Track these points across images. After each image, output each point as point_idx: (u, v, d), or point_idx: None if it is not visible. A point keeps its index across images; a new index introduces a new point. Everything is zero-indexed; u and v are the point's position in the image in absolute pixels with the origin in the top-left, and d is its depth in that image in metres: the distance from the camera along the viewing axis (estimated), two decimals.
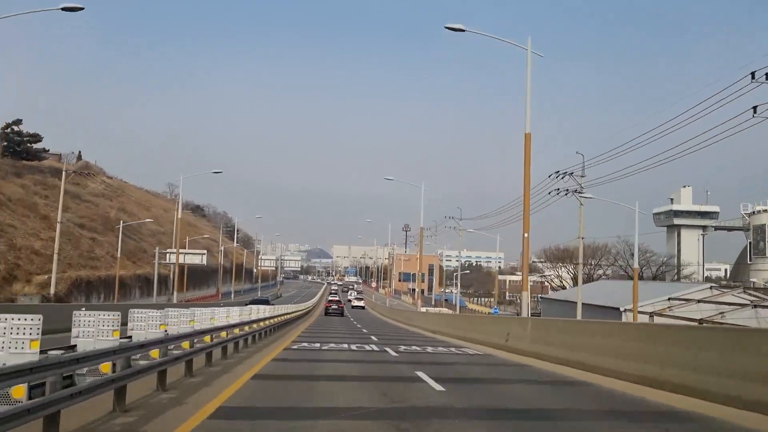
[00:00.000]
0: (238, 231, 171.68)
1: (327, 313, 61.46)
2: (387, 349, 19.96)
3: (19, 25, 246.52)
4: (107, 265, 68.23)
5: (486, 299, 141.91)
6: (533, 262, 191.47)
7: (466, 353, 19.92)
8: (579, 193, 42.96)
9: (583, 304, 49.69)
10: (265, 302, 31.46)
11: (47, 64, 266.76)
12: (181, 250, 67.07)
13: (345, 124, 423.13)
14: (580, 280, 42.49)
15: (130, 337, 8.75)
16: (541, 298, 58.43)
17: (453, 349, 21.17)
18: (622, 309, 42.45)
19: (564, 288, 68.01)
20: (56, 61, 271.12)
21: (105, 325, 7.37)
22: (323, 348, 19.64)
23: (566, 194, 43.12)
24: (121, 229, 56.82)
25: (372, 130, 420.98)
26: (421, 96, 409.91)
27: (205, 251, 65.59)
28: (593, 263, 70.18)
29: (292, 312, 35.56)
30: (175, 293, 51.70)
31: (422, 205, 47.21)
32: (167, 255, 64.39)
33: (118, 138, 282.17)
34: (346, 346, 20.72)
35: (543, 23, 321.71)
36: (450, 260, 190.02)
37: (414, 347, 21.42)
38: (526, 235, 21.97)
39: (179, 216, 52.31)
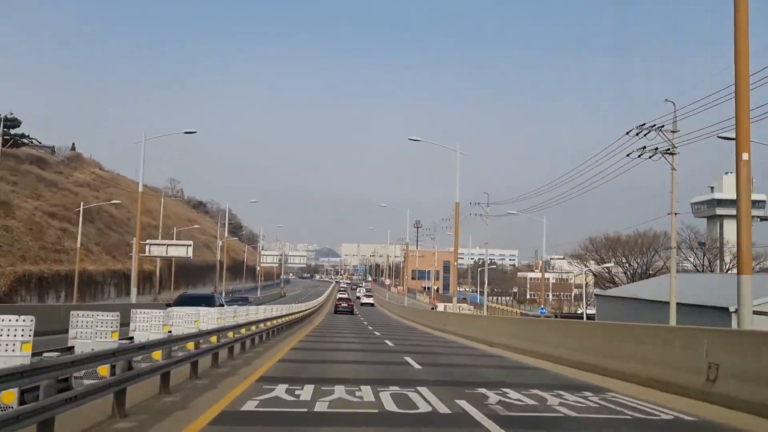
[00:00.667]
0: (242, 228, 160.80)
1: (336, 311, 57.43)
2: (467, 407, 8.35)
3: (20, 25, 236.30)
4: (81, 259, 57.17)
5: (505, 298, 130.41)
6: (550, 258, 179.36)
7: (682, 421, 8.23)
8: (670, 153, 31.31)
9: (662, 302, 38.18)
10: (207, 301, 18.20)
11: (48, 64, 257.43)
12: (163, 241, 55.90)
13: (348, 124, 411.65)
14: (673, 270, 30.55)
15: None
16: (596, 295, 46.37)
17: (599, 401, 9.53)
18: (732, 309, 30.67)
19: (614, 284, 55.95)
20: (57, 60, 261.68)
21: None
22: (317, 409, 8.02)
23: (653, 155, 31.47)
24: (81, 212, 45.47)
25: (376, 129, 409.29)
26: (424, 96, 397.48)
27: (191, 242, 54.05)
28: (649, 255, 58.07)
29: (280, 317, 24.05)
30: (133, 292, 40.13)
31: (458, 174, 35.73)
32: (147, 247, 53.04)
33: (121, 137, 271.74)
34: (369, 393, 9.10)
35: (544, 18, 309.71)
36: (462, 258, 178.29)
37: (513, 395, 9.75)
38: (745, 156, 10.48)
39: (141, 190, 40.39)
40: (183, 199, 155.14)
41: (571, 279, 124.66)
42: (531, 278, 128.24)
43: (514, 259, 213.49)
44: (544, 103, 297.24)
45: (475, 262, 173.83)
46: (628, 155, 32.76)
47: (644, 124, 31.71)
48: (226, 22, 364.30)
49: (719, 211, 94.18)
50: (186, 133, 34.76)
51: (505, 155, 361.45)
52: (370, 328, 34.28)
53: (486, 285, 64.86)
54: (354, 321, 43.32)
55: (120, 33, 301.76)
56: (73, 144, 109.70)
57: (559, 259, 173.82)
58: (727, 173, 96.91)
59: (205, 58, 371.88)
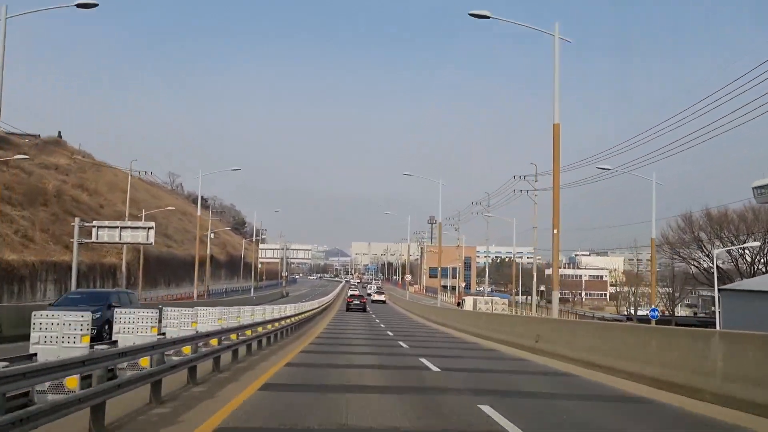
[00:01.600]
0: (245, 224, 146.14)
1: (348, 308, 53.68)
2: None
3: (20, 25, 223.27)
4: (12, 248, 42.64)
5: (530, 297, 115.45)
6: (575, 255, 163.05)
7: None
8: None
9: None
10: None
11: (48, 63, 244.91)
12: (114, 222, 41.16)
13: (348, 124, 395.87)
14: None
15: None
16: (720, 290, 31.05)
17: None
18: None
19: (725, 276, 40.21)
20: (57, 60, 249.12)
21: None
22: None
23: None
24: None
25: (376, 129, 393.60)
26: (424, 96, 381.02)
27: (152, 223, 39.35)
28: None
29: (197, 337, 9.21)
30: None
31: (557, 71, 20.57)
32: (94, 230, 38.33)
33: (121, 136, 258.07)
34: None
35: (544, 18, 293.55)
36: (478, 256, 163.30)
37: None
38: None
39: None
40: (183, 193, 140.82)
41: (605, 276, 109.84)
42: (562, 275, 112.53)
43: (531, 257, 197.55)
44: (544, 102, 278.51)
45: (492, 260, 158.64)
46: None
47: None
48: (226, 22, 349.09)
49: None
50: (78, 6, 19.92)
51: (510, 151, 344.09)
52: (405, 346, 19.26)
53: (535, 280, 50.18)
54: (373, 331, 28.36)
55: (120, 33, 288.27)
56: (59, 132, 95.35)
57: (584, 255, 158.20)
58: None
59: (205, 58, 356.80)
